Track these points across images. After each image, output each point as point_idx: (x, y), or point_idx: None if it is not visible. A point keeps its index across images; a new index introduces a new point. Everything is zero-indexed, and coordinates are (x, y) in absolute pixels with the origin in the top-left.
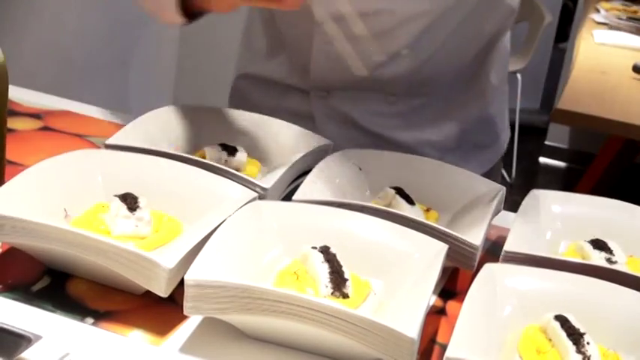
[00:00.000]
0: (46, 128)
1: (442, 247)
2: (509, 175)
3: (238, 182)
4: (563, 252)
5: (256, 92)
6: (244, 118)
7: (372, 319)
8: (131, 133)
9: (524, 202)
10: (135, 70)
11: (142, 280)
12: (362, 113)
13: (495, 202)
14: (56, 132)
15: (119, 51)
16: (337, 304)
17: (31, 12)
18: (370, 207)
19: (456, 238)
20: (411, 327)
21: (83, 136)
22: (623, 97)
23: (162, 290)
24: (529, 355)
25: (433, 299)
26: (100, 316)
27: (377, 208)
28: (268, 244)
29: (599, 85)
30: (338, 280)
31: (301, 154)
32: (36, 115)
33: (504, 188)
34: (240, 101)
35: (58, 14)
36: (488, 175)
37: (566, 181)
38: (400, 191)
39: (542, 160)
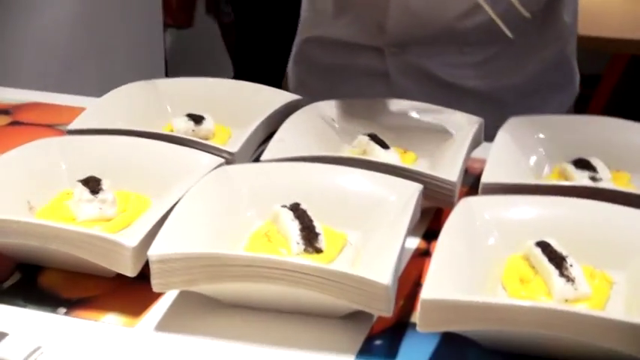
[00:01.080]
0: (15, 123)
1: (416, 188)
2: None
3: (204, 150)
4: (547, 175)
5: (325, 54)
6: (210, 84)
7: (342, 271)
8: (93, 115)
9: (501, 130)
10: (122, 57)
11: (108, 263)
12: (438, 66)
13: (472, 135)
14: (26, 125)
15: (103, 38)
16: (307, 260)
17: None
18: (341, 157)
19: (431, 177)
20: (383, 273)
21: (55, 126)
22: (619, 13)
23: (129, 270)
24: (512, 285)
25: (417, 242)
26: (72, 304)
27: (348, 157)
28: (238, 208)
29: (594, 5)
30: (309, 235)
31: (268, 113)
32: (4, 111)
33: (482, 120)
34: (308, 64)
35: (38, 7)
36: None
37: (576, 108)
38: (374, 137)
39: None
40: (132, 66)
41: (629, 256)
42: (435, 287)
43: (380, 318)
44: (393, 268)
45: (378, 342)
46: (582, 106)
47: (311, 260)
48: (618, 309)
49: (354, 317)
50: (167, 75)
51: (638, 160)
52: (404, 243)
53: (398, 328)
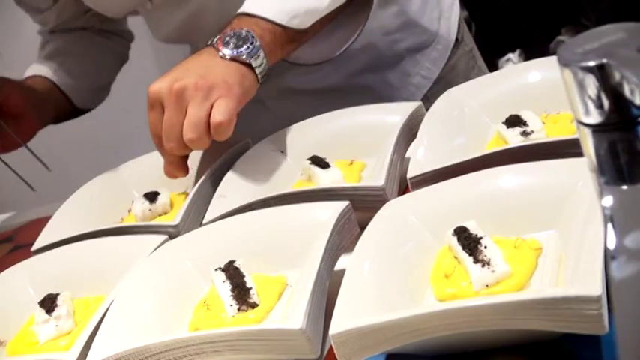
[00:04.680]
0: (17, 247)
1: (338, 207)
2: None
3: (149, 232)
4: (489, 141)
5: None
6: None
7: (255, 328)
8: (54, 229)
9: (428, 112)
10: None
11: None
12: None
13: (400, 127)
14: (27, 247)
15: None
16: (221, 329)
17: None
18: (272, 197)
19: (356, 189)
20: (296, 317)
21: None
22: None
23: None
24: (437, 283)
25: None
26: None
27: (279, 195)
28: (185, 280)
29: None
30: (240, 293)
31: (212, 169)
32: (7, 239)
33: (419, 103)
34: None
35: None
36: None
37: None
38: (313, 159)
39: None
40: None
41: (558, 211)
42: (342, 318)
43: (328, 353)
44: (305, 308)
45: None
46: None
47: (250, 316)
48: (545, 279)
49: None
50: None
51: None
52: (320, 275)
53: None
